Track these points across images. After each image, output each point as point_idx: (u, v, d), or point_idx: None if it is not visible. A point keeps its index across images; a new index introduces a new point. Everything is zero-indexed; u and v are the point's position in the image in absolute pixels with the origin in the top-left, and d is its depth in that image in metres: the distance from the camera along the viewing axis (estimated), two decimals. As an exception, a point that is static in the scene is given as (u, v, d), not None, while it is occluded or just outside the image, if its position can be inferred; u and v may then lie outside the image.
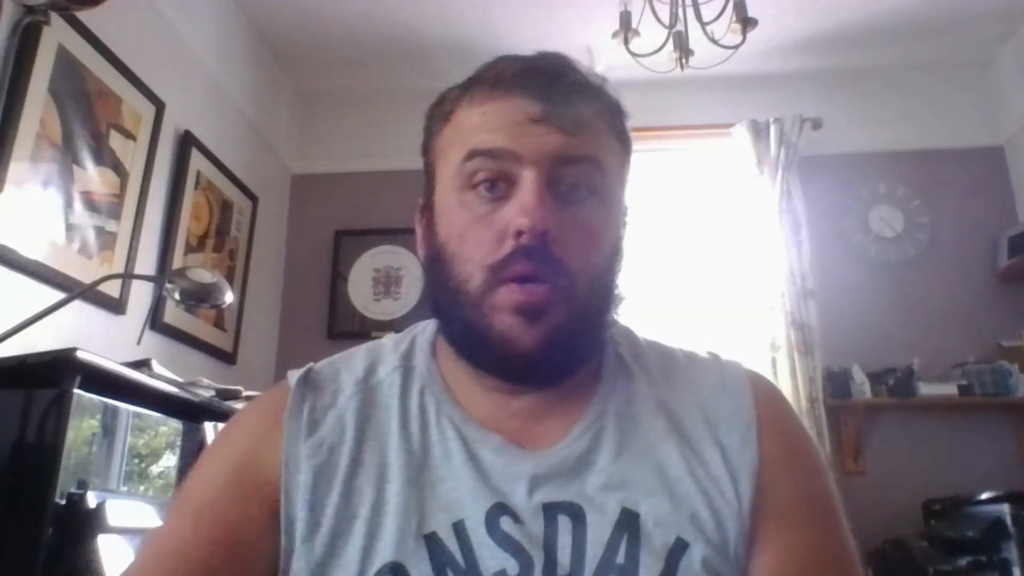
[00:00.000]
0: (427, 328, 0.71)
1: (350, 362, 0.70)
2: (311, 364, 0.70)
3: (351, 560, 0.58)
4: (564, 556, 0.57)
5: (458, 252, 0.61)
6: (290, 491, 0.61)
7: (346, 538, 0.59)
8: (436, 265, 0.64)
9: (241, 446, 0.65)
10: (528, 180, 0.60)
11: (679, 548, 0.57)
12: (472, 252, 0.61)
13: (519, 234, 0.58)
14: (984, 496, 2.33)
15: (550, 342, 0.59)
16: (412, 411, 0.65)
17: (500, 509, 0.59)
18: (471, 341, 0.62)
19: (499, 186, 0.61)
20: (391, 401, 0.66)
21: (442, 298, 0.63)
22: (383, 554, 0.58)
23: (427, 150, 0.69)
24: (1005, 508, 2.20)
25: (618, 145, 0.67)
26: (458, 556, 0.58)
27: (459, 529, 0.59)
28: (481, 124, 0.62)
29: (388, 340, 0.73)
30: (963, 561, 2.22)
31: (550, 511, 0.59)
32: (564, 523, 0.59)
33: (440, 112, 0.67)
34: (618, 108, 0.68)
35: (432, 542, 0.58)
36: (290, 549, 0.60)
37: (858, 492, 2.65)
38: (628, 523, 0.58)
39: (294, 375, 0.67)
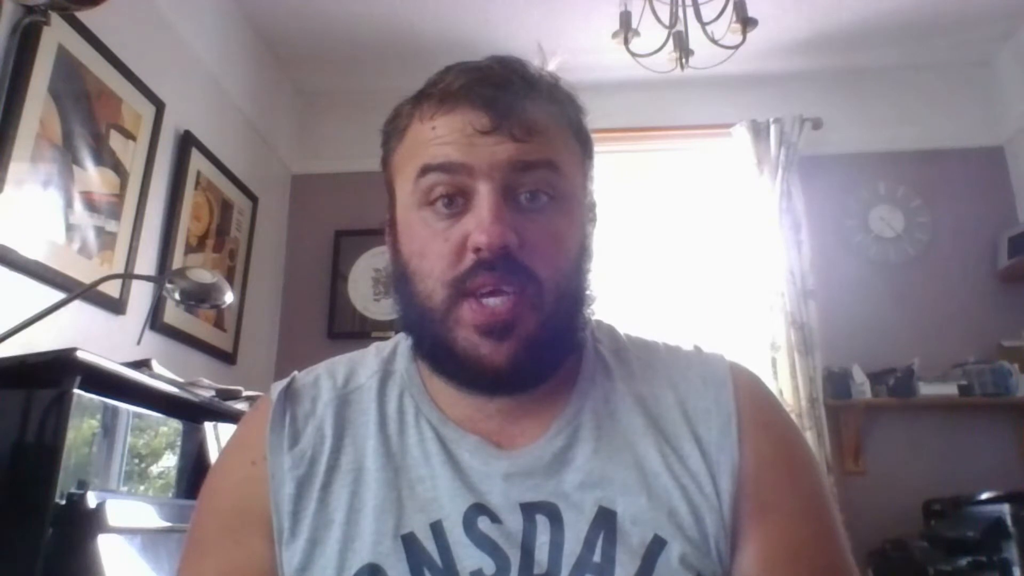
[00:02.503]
0: None
1: (332, 368, 0.71)
2: (295, 373, 0.71)
3: (328, 564, 0.59)
4: (542, 555, 0.57)
5: (419, 269, 0.61)
6: (278, 504, 0.62)
7: (323, 544, 0.60)
8: (401, 282, 0.64)
9: (233, 479, 0.66)
10: (483, 194, 0.59)
11: (656, 546, 0.57)
12: (432, 267, 0.60)
13: (478, 250, 0.58)
14: (984, 496, 2.33)
15: (520, 356, 0.59)
16: (390, 414, 0.66)
17: (478, 509, 0.60)
18: (440, 356, 0.62)
19: (457, 201, 0.60)
20: (369, 405, 0.67)
21: (409, 315, 0.63)
22: (360, 556, 0.58)
23: (386, 166, 0.68)
24: (1005, 508, 2.20)
25: (576, 143, 0.66)
26: (435, 556, 0.58)
27: (436, 529, 0.59)
28: (432, 138, 0.61)
29: (372, 347, 0.73)
30: (963, 561, 2.22)
31: (528, 511, 0.59)
32: (542, 522, 0.59)
33: (394, 127, 0.67)
34: (573, 105, 0.67)
35: (409, 542, 0.59)
36: (280, 559, 0.61)
37: (858, 492, 2.66)
38: (605, 522, 0.58)
39: (276, 388, 0.68)
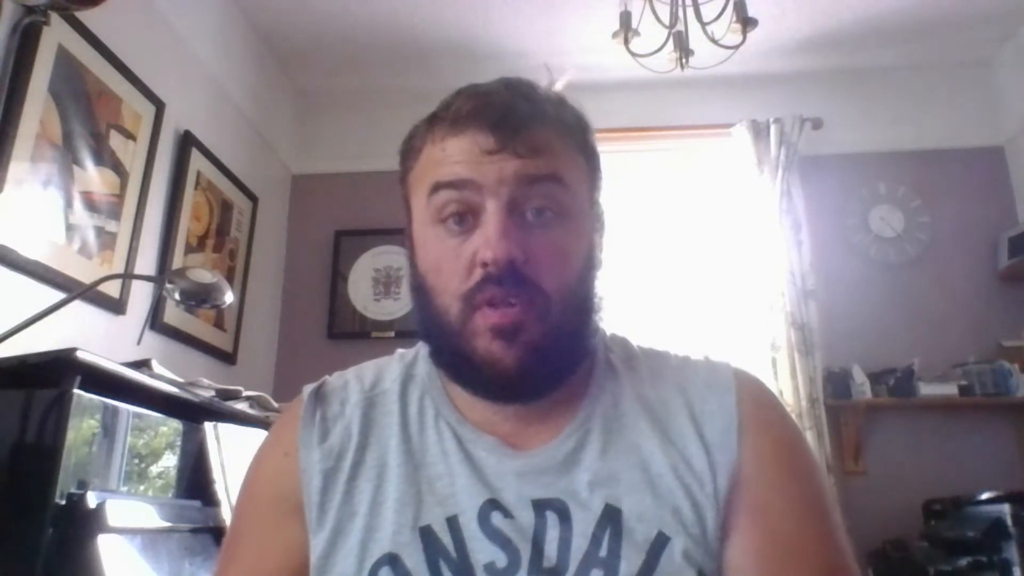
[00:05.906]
0: None
1: (360, 373, 0.75)
2: (325, 377, 0.75)
3: (351, 553, 0.63)
4: (551, 549, 0.60)
5: (435, 284, 0.65)
6: (308, 495, 0.66)
7: (346, 534, 0.64)
8: (419, 295, 0.68)
9: (268, 469, 0.71)
10: (491, 211, 0.63)
11: (660, 542, 0.60)
12: (447, 283, 0.64)
13: (485, 265, 0.61)
14: (984, 496, 2.33)
15: (528, 361, 0.62)
16: (412, 415, 0.70)
17: (492, 504, 0.63)
18: (458, 366, 0.66)
19: (467, 218, 0.64)
20: (392, 407, 0.71)
21: (428, 327, 0.67)
22: (381, 545, 0.62)
23: (403, 183, 0.72)
24: (1005, 508, 2.20)
25: (583, 159, 0.70)
26: (451, 548, 0.61)
27: (453, 524, 0.62)
28: (443, 159, 0.65)
29: (397, 353, 0.78)
30: (963, 561, 2.22)
31: (539, 507, 0.63)
32: (552, 518, 0.62)
33: (410, 148, 0.71)
34: (579, 123, 0.71)
35: (426, 534, 0.62)
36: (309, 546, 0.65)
37: (858, 492, 2.66)
38: (611, 519, 0.61)
39: (308, 389, 0.73)
